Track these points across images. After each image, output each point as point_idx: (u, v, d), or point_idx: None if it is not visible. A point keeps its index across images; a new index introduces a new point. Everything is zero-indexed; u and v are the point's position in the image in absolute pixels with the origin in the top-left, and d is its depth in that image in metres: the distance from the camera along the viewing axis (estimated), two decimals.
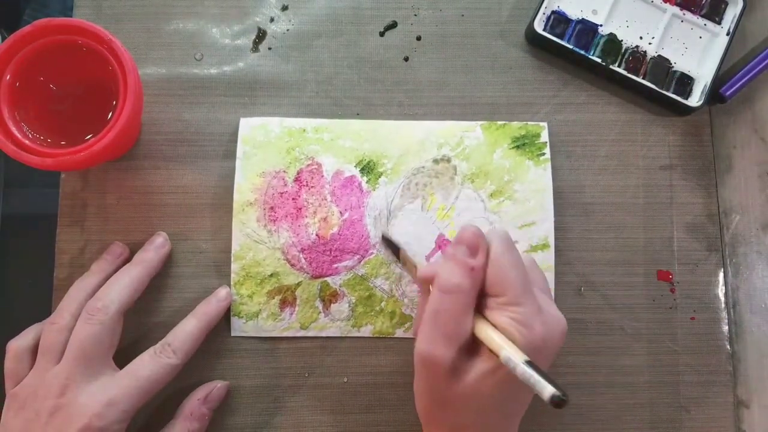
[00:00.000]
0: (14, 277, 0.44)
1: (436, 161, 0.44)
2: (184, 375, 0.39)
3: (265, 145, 0.43)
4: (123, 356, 0.38)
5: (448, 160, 0.44)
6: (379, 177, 0.43)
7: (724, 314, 0.44)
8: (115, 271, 0.40)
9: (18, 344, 0.38)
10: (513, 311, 0.31)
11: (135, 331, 0.41)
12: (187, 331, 0.39)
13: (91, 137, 0.38)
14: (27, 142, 0.37)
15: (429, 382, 0.33)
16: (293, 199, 0.43)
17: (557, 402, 0.27)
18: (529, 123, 0.44)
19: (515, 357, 0.29)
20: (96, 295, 0.38)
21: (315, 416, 0.42)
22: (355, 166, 0.43)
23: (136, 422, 0.39)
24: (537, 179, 0.43)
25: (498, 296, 0.32)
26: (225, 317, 0.42)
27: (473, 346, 0.32)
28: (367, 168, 0.43)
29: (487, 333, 0.31)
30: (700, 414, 0.43)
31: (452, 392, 0.32)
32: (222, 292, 0.41)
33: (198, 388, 0.40)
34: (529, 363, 0.29)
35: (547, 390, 0.27)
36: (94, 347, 0.36)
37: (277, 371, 0.42)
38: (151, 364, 0.37)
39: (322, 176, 0.43)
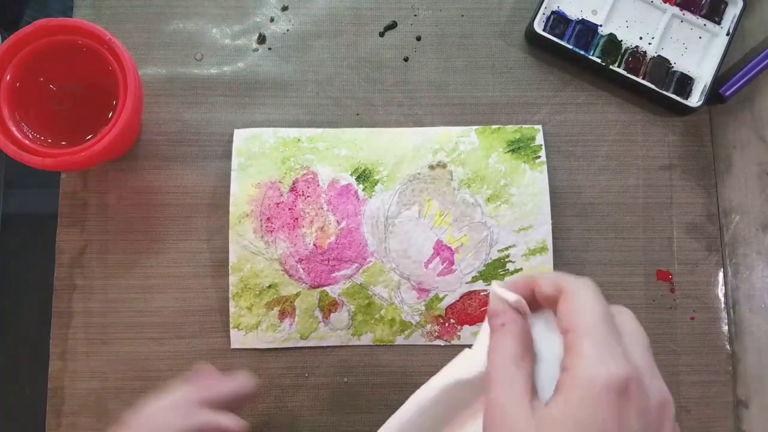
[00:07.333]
0: (14, 277, 0.44)
1: (431, 167, 0.44)
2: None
3: (260, 155, 0.43)
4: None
5: (444, 166, 0.44)
6: (375, 185, 0.43)
7: (724, 314, 0.44)
8: None
9: None
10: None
11: (135, 330, 0.41)
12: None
13: (91, 137, 0.38)
14: (27, 142, 0.37)
15: None
16: (290, 209, 0.43)
17: None
18: (523, 126, 0.44)
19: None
20: None
21: (315, 416, 0.42)
22: (351, 175, 0.43)
23: None
24: (533, 182, 0.43)
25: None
26: (224, 330, 0.42)
27: None
28: (363, 176, 0.43)
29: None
30: (700, 414, 0.43)
31: None
32: (244, 378, 0.37)
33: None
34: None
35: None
36: None
37: (277, 371, 0.42)
38: None
39: (318, 185, 0.43)
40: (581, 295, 0.27)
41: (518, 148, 0.44)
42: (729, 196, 0.45)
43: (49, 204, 0.43)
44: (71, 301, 0.42)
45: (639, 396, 0.25)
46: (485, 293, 0.42)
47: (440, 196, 0.43)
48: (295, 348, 0.42)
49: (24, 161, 0.36)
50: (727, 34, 0.45)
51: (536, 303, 0.28)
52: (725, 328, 0.44)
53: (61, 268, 0.43)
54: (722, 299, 0.44)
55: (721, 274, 0.44)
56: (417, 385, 0.42)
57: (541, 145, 0.44)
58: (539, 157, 0.44)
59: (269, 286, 0.42)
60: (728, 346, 0.43)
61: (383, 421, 0.42)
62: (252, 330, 0.42)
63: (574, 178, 0.45)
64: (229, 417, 0.34)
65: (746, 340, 0.44)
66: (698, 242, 0.44)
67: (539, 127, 0.44)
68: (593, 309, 0.27)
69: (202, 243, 0.43)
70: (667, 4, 0.45)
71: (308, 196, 0.43)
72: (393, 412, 0.42)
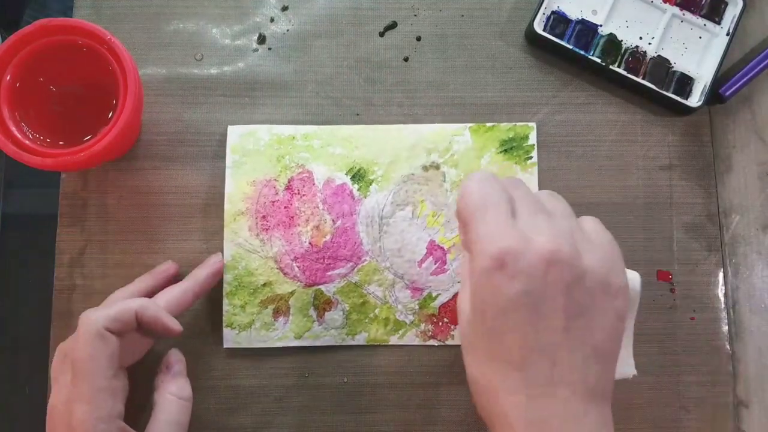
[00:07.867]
0: (14, 277, 0.44)
1: (425, 168, 0.44)
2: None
3: (255, 153, 0.43)
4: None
5: (437, 167, 0.44)
6: (370, 185, 0.43)
7: (724, 314, 0.44)
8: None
9: None
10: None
11: None
12: (172, 292, 0.38)
13: (91, 137, 0.38)
14: (27, 142, 0.37)
15: None
16: (285, 207, 0.43)
17: None
18: (517, 124, 0.44)
19: None
20: None
21: (315, 416, 0.42)
22: (346, 174, 0.43)
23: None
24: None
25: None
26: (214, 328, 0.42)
27: None
28: (358, 175, 0.43)
29: None
30: (700, 414, 0.43)
31: None
32: (213, 257, 0.42)
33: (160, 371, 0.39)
34: None
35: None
36: None
37: (277, 371, 0.42)
38: None
39: (314, 184, 0.43)
40: (464, 188, 0.30)
41: (510, 148, 0.44)
42: (729, 196, 0.45)
43: (49, 204, 0.43)
44: (71, 301, 0.42)
45: (515, 266, 0.27)
46: None
47: (433, 198, 0.43)
48: (294, 349, 0.42)
49: (24, 161, 0.36)
50: (727, 34, 0.45)
51: None
52: (725, 328, 0.44)
53: (61, 268, 0.43)
54: (722, 299, 0.44)
55: (721, 274, 0.44)
56: (417, 386, 0.42)
57: (534, 144, 0.44)
58: (531, 157, 0.44)
59: (264, 285, 0.42)
60: (728, 346, 0.43)
61: (383, 421, 0.42)
62: (245, 329, 0.42)
63: (574, 178, 0.45)
64: (172, 319, 0.37)
65: (746, 340, 0.44)
66: (698, 242, 0.44)
67: (533, 124, 0.44)
68: (471, 194, 0.30)
69: (201, 243, 0.43)
70: (667, 4, 0.45)
71: (304, 195, 0.43)
72: (393, 412, 0.42)
